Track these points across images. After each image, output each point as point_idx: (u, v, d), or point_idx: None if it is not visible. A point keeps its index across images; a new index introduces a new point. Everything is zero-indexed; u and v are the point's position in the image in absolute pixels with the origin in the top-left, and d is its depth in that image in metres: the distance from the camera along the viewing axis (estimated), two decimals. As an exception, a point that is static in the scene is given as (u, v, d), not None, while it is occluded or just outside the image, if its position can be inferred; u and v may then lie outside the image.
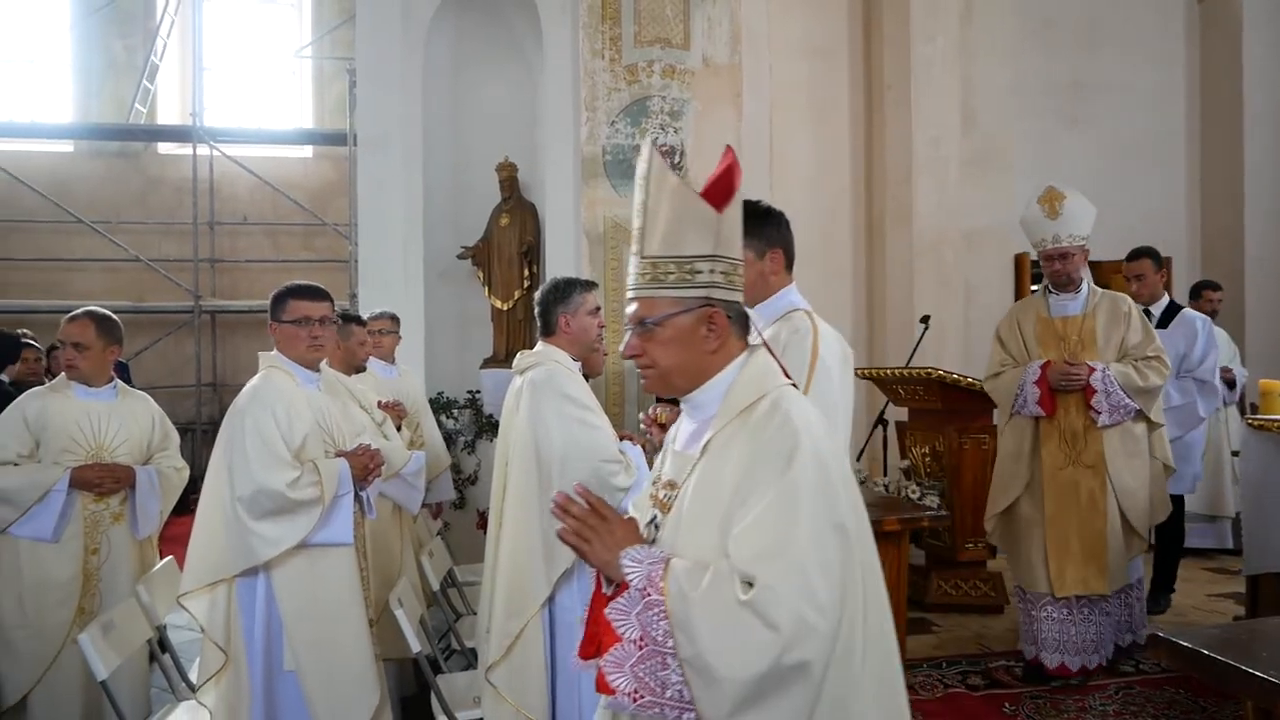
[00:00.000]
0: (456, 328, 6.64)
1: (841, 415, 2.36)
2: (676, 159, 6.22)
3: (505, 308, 6.45)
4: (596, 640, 1.51)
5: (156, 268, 10.94)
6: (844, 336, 2.52)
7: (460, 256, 6.53)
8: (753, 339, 1.64)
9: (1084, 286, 4.12)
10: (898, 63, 7.33)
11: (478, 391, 6.35)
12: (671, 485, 1.61)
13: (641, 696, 1.40)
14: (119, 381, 3.76)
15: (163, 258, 11.07)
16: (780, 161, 7.18)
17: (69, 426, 3.52)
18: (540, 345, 3.25)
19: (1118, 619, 4.18)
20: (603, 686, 1.43)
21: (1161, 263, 5.23)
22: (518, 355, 3.32)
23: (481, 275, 6.51)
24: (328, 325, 3.12)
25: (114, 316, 3.69)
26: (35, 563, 3.41)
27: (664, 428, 2.24)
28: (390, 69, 6.13)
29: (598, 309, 3.27)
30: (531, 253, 6.44)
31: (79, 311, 3.62)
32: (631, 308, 1.61)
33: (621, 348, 1.67)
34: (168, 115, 11.51)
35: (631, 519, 1.61)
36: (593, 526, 1.51)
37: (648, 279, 1.57)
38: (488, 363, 6.41)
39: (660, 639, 1.40)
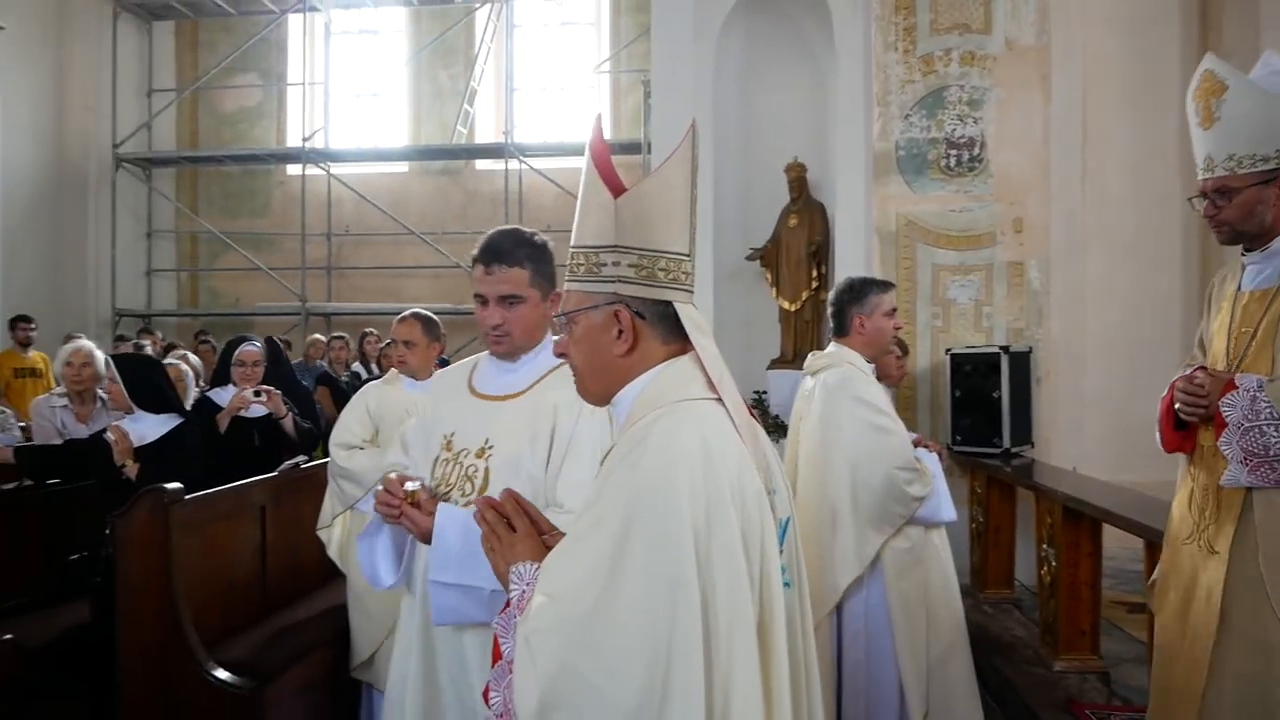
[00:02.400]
0: (743, 328, 6.72)
1: None
2: (975, 150, 5.88)
3: (793, 309, 6.43)
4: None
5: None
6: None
7: (749, 258, 6.60)
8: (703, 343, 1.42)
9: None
10: (1243, 22, 6.42)
11: (764, 392, 6.38)
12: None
13: (503, 717, 1.32)
14: (441, 377, 4.16)
15: (478, 264, 12.23)
16: (1095, 146, 6.57)
17: (400, 415, 3.92)
18: (833, 346, 3.19)
19: None
20: (486, 698, 1.37)
21: None
22: (809, 356, 3.28)
23: (770, 276, 6.54)
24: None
25: (435, 318, 4.08)
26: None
27: (417, 505, 1.85)
28: (683, 78, 6.33)
29: (894, 310, 3.15)
30: (820, 253, 6.37)
31: (407, 313, 4.02)
32: None
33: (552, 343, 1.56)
34: (484, 134, 12.69)
35: (548, 537, 1.47)
36: (498, 535, 1.44)
37: (567, 272, 1.48)
38: (775, 363, 6.42)
39: None
